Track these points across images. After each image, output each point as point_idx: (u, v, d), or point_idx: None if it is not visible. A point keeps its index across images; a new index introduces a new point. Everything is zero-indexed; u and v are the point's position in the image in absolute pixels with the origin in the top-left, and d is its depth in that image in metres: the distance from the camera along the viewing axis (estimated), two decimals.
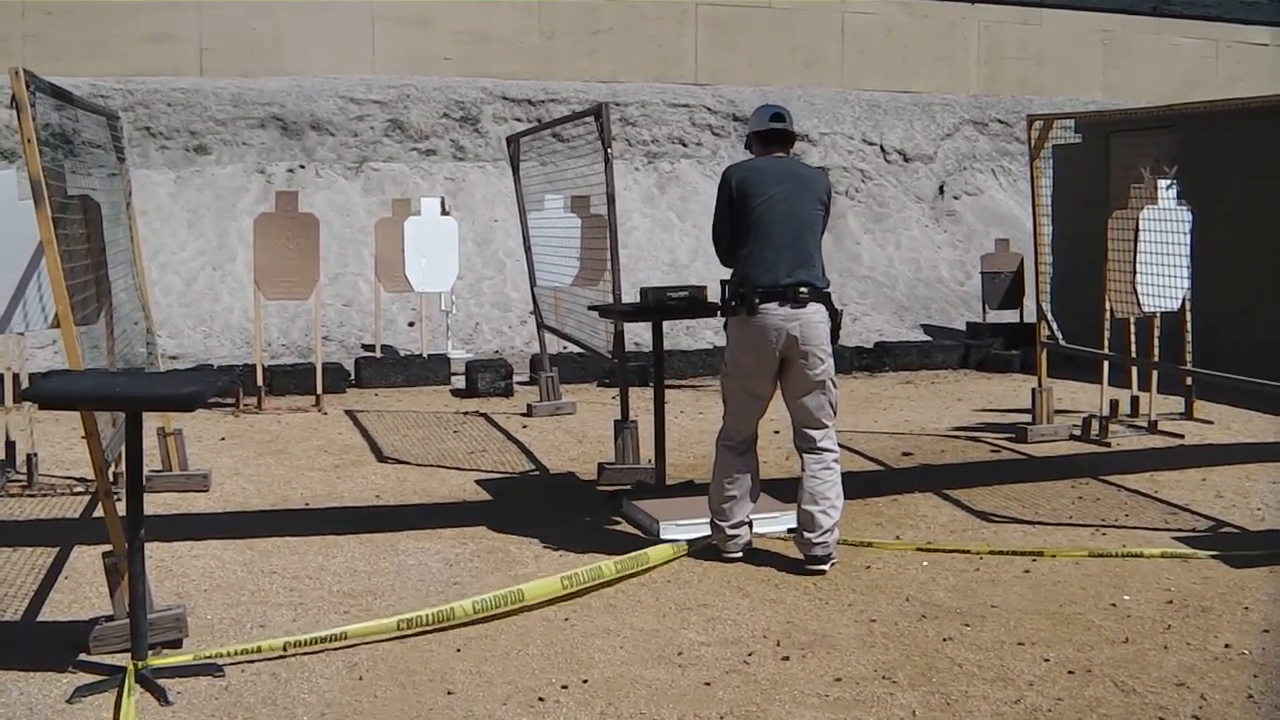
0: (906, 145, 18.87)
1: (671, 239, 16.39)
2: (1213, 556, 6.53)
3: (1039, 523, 7.33)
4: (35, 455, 8.24)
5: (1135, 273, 9.59)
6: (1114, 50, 21.22)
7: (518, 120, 16.96)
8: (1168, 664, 5.09)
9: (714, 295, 7.63)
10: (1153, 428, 10.00)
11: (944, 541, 6.90)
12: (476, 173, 16.77)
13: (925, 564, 6.50)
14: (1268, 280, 11.13)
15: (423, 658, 5.19)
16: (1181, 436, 9.83)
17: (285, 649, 5.16)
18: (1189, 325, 9.91)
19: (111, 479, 5.63)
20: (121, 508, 5.20)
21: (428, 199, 13.36)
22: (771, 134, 6.62)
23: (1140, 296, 9.63)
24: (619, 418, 8.47)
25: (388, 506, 7.87)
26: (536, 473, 8.88)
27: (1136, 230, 9.58)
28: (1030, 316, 12.66)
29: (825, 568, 6.32)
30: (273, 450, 9.47)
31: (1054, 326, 10.00)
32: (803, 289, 6.28)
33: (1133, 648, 5.28)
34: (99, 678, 4.88)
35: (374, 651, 5.25)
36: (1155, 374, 10.17)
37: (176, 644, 5.24)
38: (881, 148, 18.73)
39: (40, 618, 5.73)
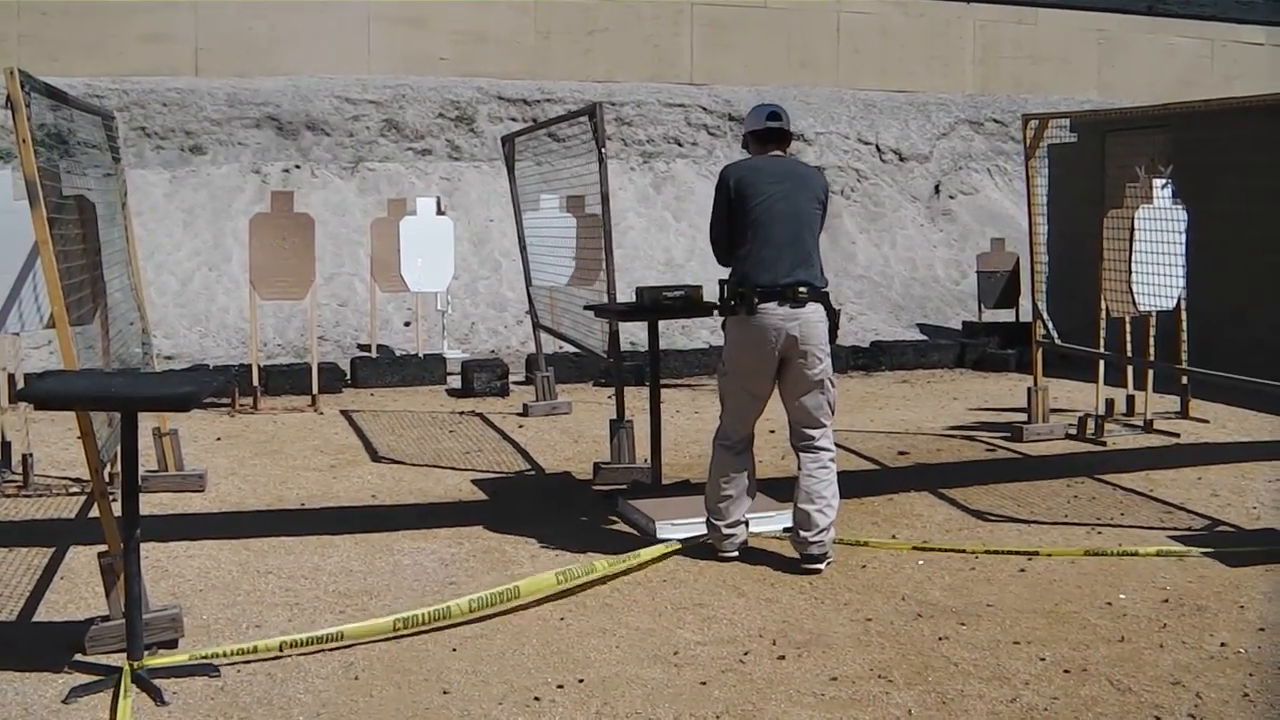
0: (902, 145, 18.87)
1: (667, 238, 16.39)
2: (1208, 555, 6.54)
3: (1035, 522, 7.34)
4: (31, 455, 8.23)
5: (1131, 272, 9.59)
6: (1109, 49, 21.24)
7: (513, 120, 16.96)
8: (1163, 663, 5.09)
9: (710, 295, 7.64)
10: (1148, 427, 10.01)
11: (940, 540, 6.91)
12: (472, 172, 16.76)
13: (921, 563, 6.51)
14: (1263, 279, 11.14)
15: (419, 657, 5.19)
16: (1177, 435, 9.84)
17: (281, 649, 5.16)
18: (1184, 324, 9.91)
19: (107, 479, 5.63)
20: (117, 508, 5.20)
21: (423, 199, 13.35)
22: (769, 133, 6.62)
23: (1136, 296, 9.63)
24: (614, 417, 8.47)
25: (383, 506, 7.87)
26: (532, 473, 8.88)
27: (1132, 230, 9.58)
28: (1026, 316, 12.67)
29: (821, 567, 6.33)
30: (268, 450, 9.46)
31: (1049, 326, 10.01)
32: (802, 289, 6.28)
33: (1128, 646, 5.28)
34: (95, 678, 4.88)
35: (370, 651, 5.25)
36: (1151, 373, 10.18)
37: (172, 644, 5.24)
38: (877, 147, 18.73)
39: (36, 618, 5.72)
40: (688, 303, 7.73)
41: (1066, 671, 5.00)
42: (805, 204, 6.43)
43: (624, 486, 8.01)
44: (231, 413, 10.88)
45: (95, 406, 5.20)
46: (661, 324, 8.21)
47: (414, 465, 8.98)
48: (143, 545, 5.08)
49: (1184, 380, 10.30)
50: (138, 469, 5.10)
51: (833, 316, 6.44)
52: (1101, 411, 9.87)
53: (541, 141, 12.19)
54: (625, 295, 8.99)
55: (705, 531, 6.65)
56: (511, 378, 12.27)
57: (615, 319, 8.39)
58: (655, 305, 7.69)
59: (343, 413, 11.00)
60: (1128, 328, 9.96)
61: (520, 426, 10.46)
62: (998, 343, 14.00)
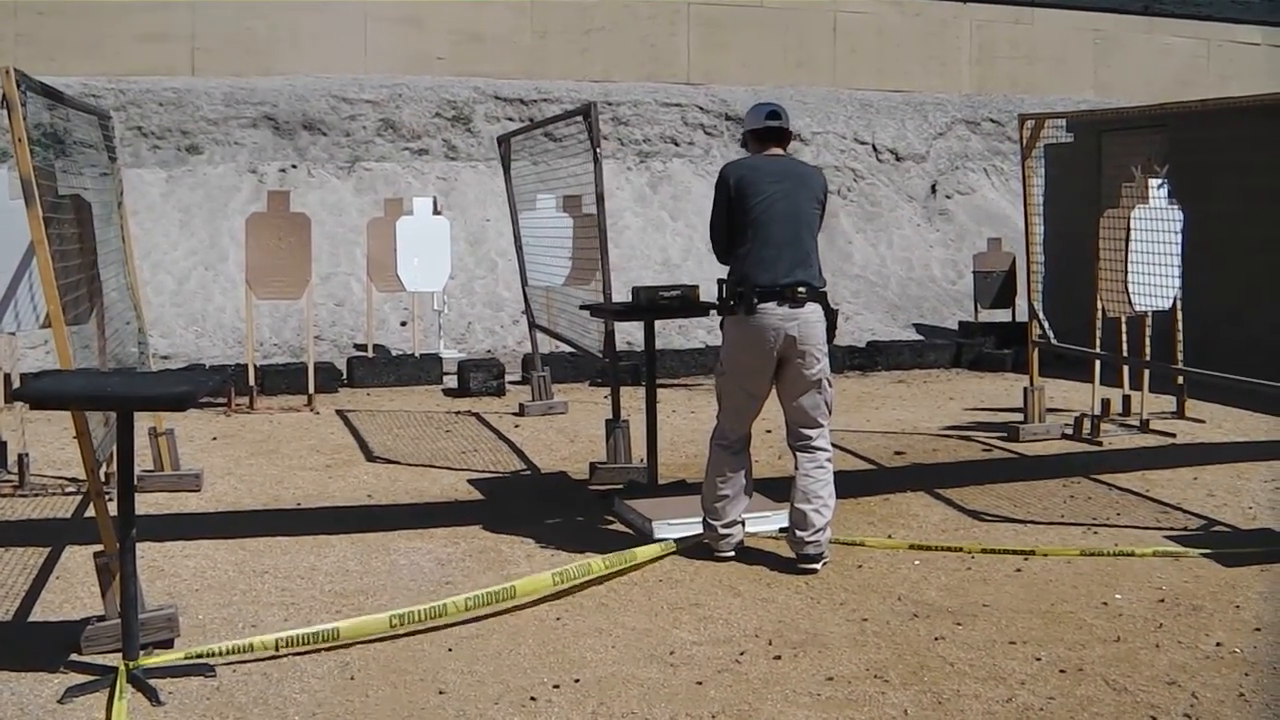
0: (899, 144, 18.88)
1: (664, 238, 16.40)
2: (1204, 555, 6.54)
3: (1031, 521, 7.34)
4: (27, 455, 8.22)
5: (1127, 272, 9.59)
6: (1105, 49, 21.25)
7: (510, 120, 16.96)
8: (1159, 662, 5.09)
9: (707, 295, 7.64)
10: (1144, 427, 10.02)
11: (936, 540, 6.91)
12: (469, 172, 16.76)
13: (917, 563, 6.51)
14: (1260, 279, 11.15)
15: (414, 657, 5.19)
16: (1173, 435, 9.84)
17: (277, 647, 5.16)
18: (1180, 324, 9.92)
19: (103, 479, 5.62)
20: (113, 507, 5.19)
21: (420, 198, 13.34)
22: (768, 132, 6.61)
23: (1132, 296, 9.63)
24: (611, 417, 8.47)
25: (380, 506, 7.86)
26: (528, 472, 8.88)
27: (1128, 229, 9.58)
28: (1022, 316, 12.67)
29: (817, 567, 6.33)
30: (264, 450, 9.46)
31: (1046, 326, 10.01)
32: (801, 288, 6.28)
33: (1124, 646, 5.28)
34: (90, 678, 4.87)
35: (366, 651, 5.24)
36: (1147, 373, 10.19)
37: (168, 644, 5.24)
38: (874, 147, 18.74)
39: (32, 618, 5.72)
40: (684, 302, 7.72)
41: (1062, 671, 5.00)
42: (805, 203, 6.43)
43: (620, 486, 8.01)
44: (228, 412, 10.87)
45: (91, 406, 5.19)
46: (658, 324, 8.21)
47: (410, 465, 8.97)
48: (139, 545, 5.08)
49: (1180, 380, 10.31)
50: (134, 469, 5.09)
51: (830, 316, 6.44)
52: (1097, 411, 9.88)
53: (538, 141, 12.18)
54: (622, 295, 8.99)
55: (701, 531, 6.64)
56: (508, 377, 12.27)
57: (611, 319, 8.38)
58: (651, 305, 7.68)
59: (339, 412, 10.99)
60: (1124, 328, 9.97)
61: (516, 426, 10.45)
62: (994, 343, 14.00)
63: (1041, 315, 10.02)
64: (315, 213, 14.21)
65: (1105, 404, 10.10)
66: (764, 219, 6.33)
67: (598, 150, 8.50)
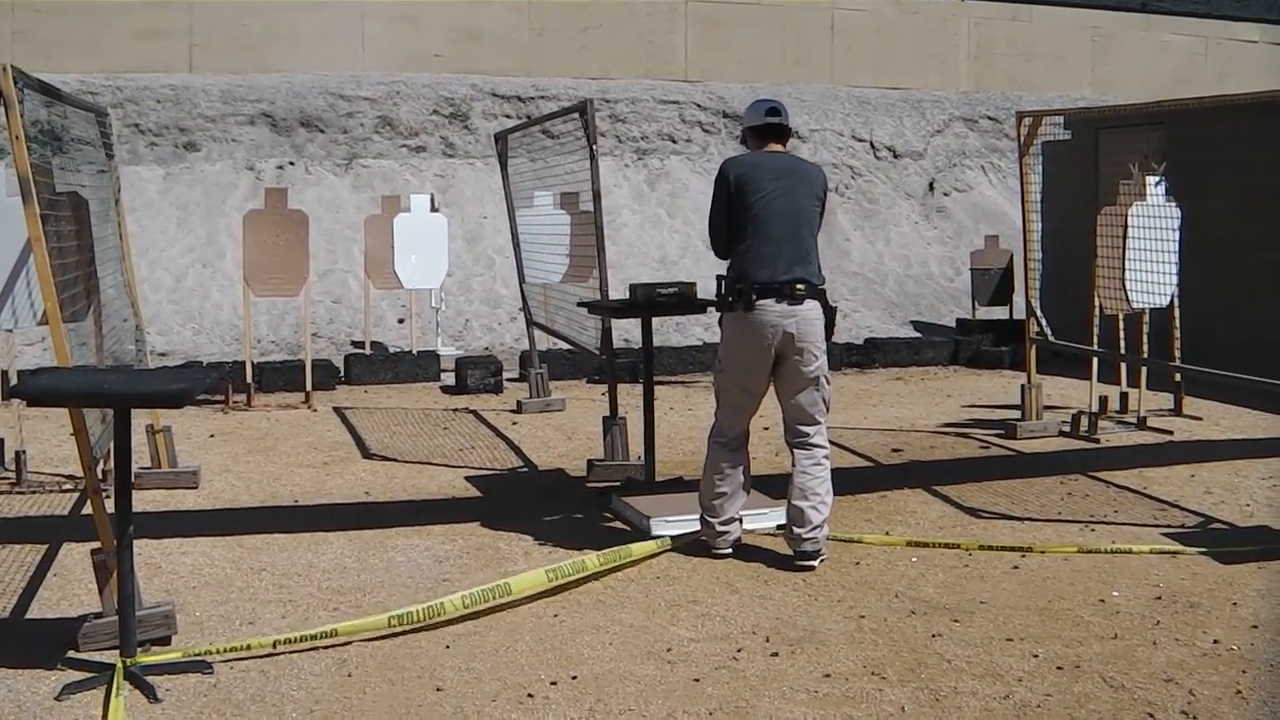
0: (896, 142, 18.88)
1: (661, 235, 16.40)
2: (1201, 553, 6.55)
3: (1028, 519, 7.34)
4: (24, 452, 8.22)
5: (1124, 269, 9.60)
6: (1103, 47, 21.25)
7: (507, 117, 16.96)
8: (1156, 660, 5.10)
9: (704, 292, 7.64)
10: (1142, 424, 10.02)
11: (933, 538, 6.91)
12: (466, 169, 16.76)
13: (914, 560, 6.51)
14: (1257, 276, 11.16)
15: (412, 654, 5.19)
16: (1170, 433, 9.85)
17: (275, 646, 5.16)
18: (1177, 321, 9.92)
19: (100, 476, 5.62)
20: (110, 505, 5.19)
21: (417, 196, 13.33)
22: (768, 129, 6.60)
23: (1129, 293, 9.64)
24: (608, 414, 8.46)
25: (377, 503, 7.86)
26: (526, 469, 8.88)
27: (1125, 227, 9.59)
28: (1020, 313, 12.69)
29: (815, 564, 6.33)
30: (262, 447, 9.46)
31: (1043, 323, 10.02)
32: (800, 285, 6.28)
33: (1121, 643, 5.29)
34: (88, 675, 4.87)
35: (363, 648, 5.24)
36: (1144, 370, 10.19)
37: (165, 641, 5.24)
38: (871, 144, 18.74)
39: (29, 615, 5.72)
40: (682, 300, 7.72)
41: (1059, 668, 5.01)
42: (805, 201, 6.42)
43: (618, 483, 8.01)
44: (225, 410, 10.87)
45: (88, 403, 5.19)
46: (655, 321, 8.21)
47: (407, 462, 8.97)
48: (136, 542, 5.08)
49: (1177, 377, 10.31)
50: (131, 466, 5.09)
51: (829, 314, 6.44)
52: (1095, 409, 9.89)
53: (535, 138, 12.18)
54: (619, 292, 8.99)
55: (699, 528, 6.64)
56: (505, 374, 12.27)
57: (609, 316, 8.38)
58: (649, 302, 7.68)
59: (336, 410, 10.99)
60: (1121, 325, 9.97)
61: (514, 423, 10.45)
62: (991, 340, 14.00)
63: (1039, 312, 10.03)
64: (313, 210, 14.21)
65: (1103, 401, 10.11)
66: (764, 216, 6.32)
67: (594, 147, 8.50)
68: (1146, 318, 9.94)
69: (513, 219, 11.58)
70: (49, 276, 5.33)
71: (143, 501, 7.26)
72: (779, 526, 6.70)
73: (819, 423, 6.44)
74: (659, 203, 16.98)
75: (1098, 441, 9.56)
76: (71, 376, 5.18)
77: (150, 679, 4.79)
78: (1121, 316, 9.90)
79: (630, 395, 9.34)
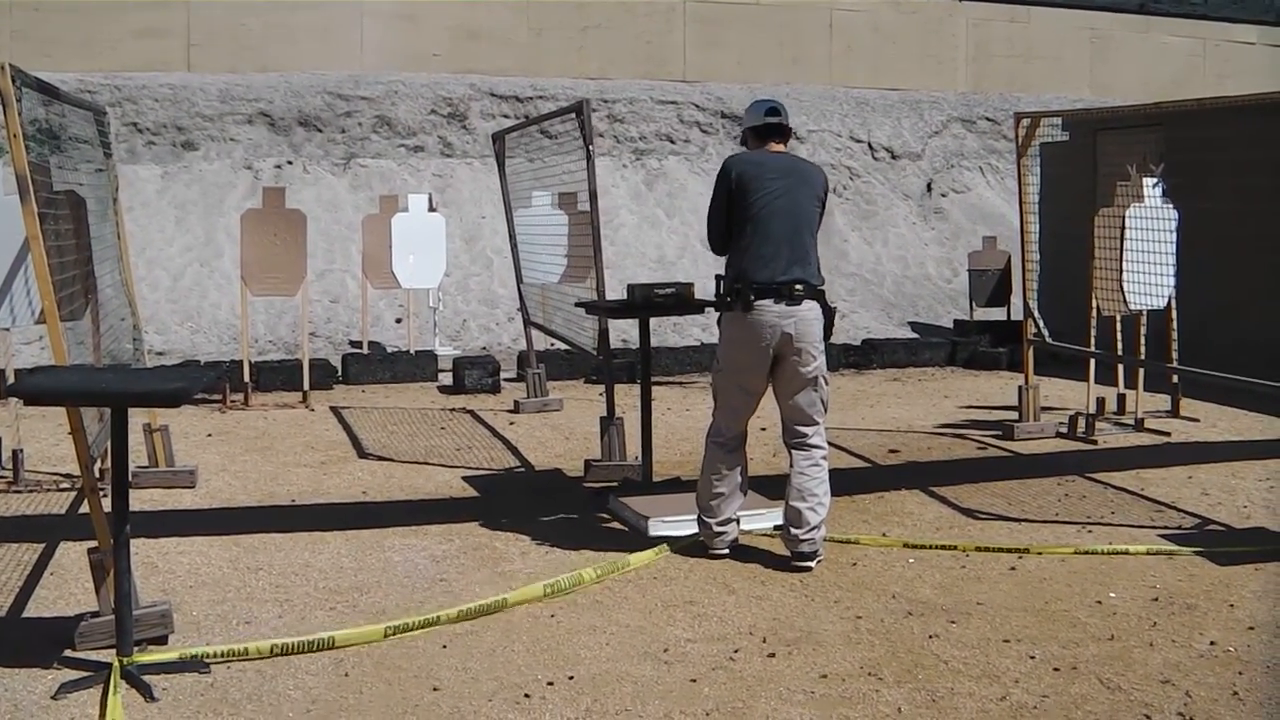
0: (894, 143, 18.88)
1: (659, 235, 16.40)
2: (1198, 554, 6.55)
3: (1025, 520, 7.34)
4: (21, 451, 8.22)
5: (1122, 271, 9.60)
6: (1101, 48, 21.26)
7: (506, 117, 16.96)
8: (1153, 661, 5.10)
9: (702, 292, 7.64)
10: (1139, 425, 10.02)
11: (930, 539, 6.91)
12: (464, 169, 16.76)
13: (911, 561, 6.51)
14: (1255, 278, 11.16)
15: (409, 654, 5.19)
16: (1168, 434, 9.85)
17: (271, 652, 5.14)
18: (1175, 323, 9.92)
19: (97, 475, 5.62)
20: (107, 504, 5.19)
21: (415, 195, 13.33)
22: (768, 128, 6.60)
23: (1127, 294, 9.64)
24: (605, 414, 8.46)
25: (374, 503, 7.86)
26: (523, 470, 8.88)
27: (1123, 228, 9.59)
28: (1017, 314, 12.68)
29: (812, 564, 6.32)
30: (259, 446, 9.45)
31: (1041, 324, 10.02)
32: (798, 286, 6.27)
33: (1118, 645, 5.29)
34: (84, 674, 4.87)
35: (360, 648, 5.24)
36: (1142, 372, 10.19)
37: (162, 640, 5.24)
38: (869, 145, 18.75)
39: (25, 614, 5.71)
40: (679, 300, 7.72)
41: (1056, 669, 5.01)
42: (805, 201, 6.42)
43: (615, 484, 8.01)
44: (222, 409, 10.86)
45: (86, 402, 5.19)
46: (653, 321, 8.20)
47: (405, 462, 8.97)
48: (133, 541, 5.08)
49: (1175, 379, 10.31)
50: (128, 465, 5.09)
51: (828, 314, 6.44)
52: (1092, 410, 9.89)
53: (533, 138, 12.18)
54: (617, 292, 8.99)
55: (696, 529, 6.64)
56: (503, 375, 12.27)
57: (606, 316, 8.38)
58: (647, 302, 7.68)
59: (333, 409, 10.98)
60: (1119, 326, 9.97)
61: (511, 423, 10.45)
62: (989, 341, 14.01)
63: (1036, 314, 10.03)
64: (311, 209, 14.21)
65: (1100, 402, 10.11)
66: (764, 215, 6.32)
67: (590, 147, 8.51)
68: (1144, 319, 9.95)
69: (510, 219, 11.58)
70: (47, 275, 5.33)
71: (140, 500, 7.26)
72: (776, 527, 6.70)
73: (817, 423, 6.44)
74: (657, 203, 16.99)
75: (1095, 443, 9.56)
76: (69, 375, 5.18)
77: (147, 678, 4.79)
78: (1119, 318, 9.90)
79: (628, 395, 9.33)
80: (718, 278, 6.51)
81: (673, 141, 17.94)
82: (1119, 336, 9.99)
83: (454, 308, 14.42)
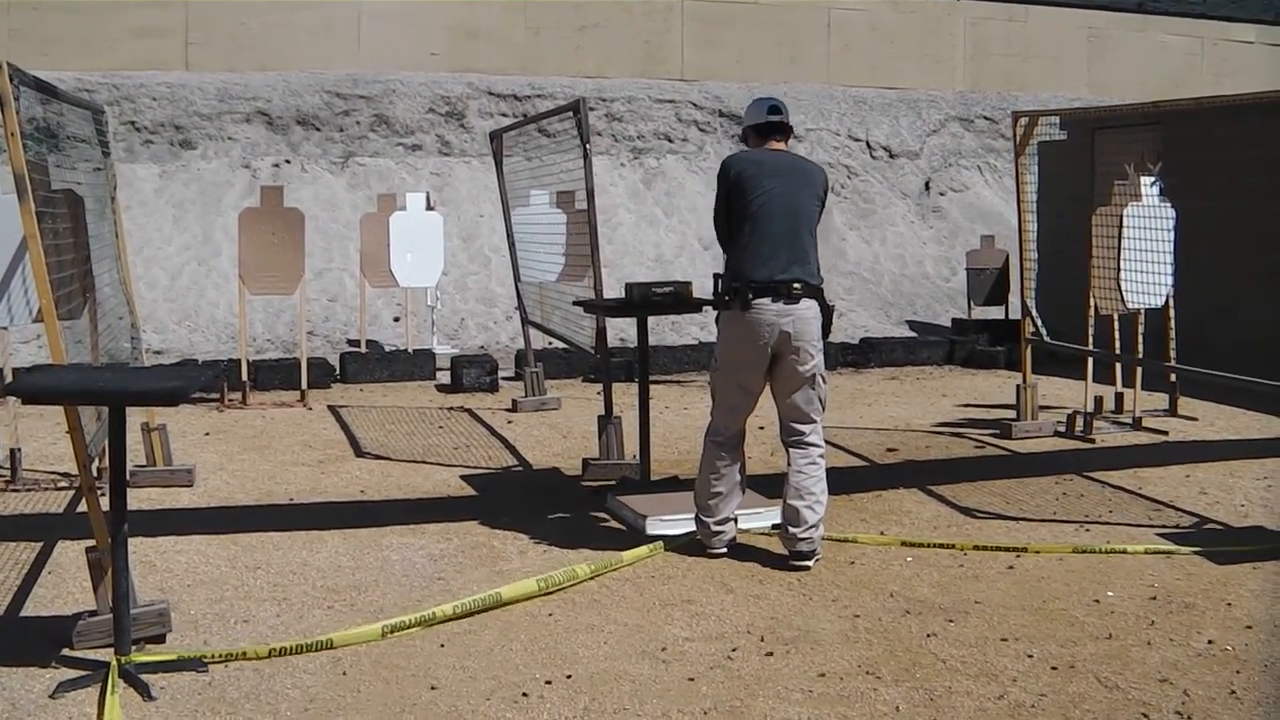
0: (892, 141, 18.88)
1: (657, 234, 16.40)
2: (1196, 553, 6.55)
3: (1023, 519, 7.35)
4: (19, 450, 8.21)
5: (1120, 269, 9.60)
6: (1099, 47, 21.26)
7: (504, 116, 16.95)
8: (1151, 660, 5.10)
9: (700, 291, 7.63)
10: (1137, 424, 10.03)
11: (928, 537, 6.91)
12: (462, 168, 16.75)
13: (909, 560, 6.51)
14: (1253, 277, 11.17)
15: (406, 653, 5.19)
16: (1166, 433, 9.85)
17: (270, 655, 5.13)
18: (1173, 322, 9.93)
19: (95, 474, 5.61)
20: (105, 503, 5.19)
21: (413, 194, 13.33)
22: (770, 126, 6.60)
23: (1124, 293, 9.65)
24: (603, 413, 8.46)
25: (372, 502, 7.86)
26: (521, 468, 8.88)
27: (1120, 227, 9.59)
28: (1015, 313, 12.69)
29: (810, 564, 6.32)
30: (257, 445, 9.45)
31: (1039, 323, 10.03)
32: (796, 284, 6.27)
33: (1116, 644, 5.29)
34: (82, 673, 4.87)
35: (358, 647, 5.24)
36: (1140, 370, 10.19)
37: (160, 639, 5.23)
38: (867, 144, 18.75)
39: (23, 613, 5.71)
40: (677, 299, 7.71)
41: (1054, 668, 5.01)
42: (806, 200, 6.42)
43: (613, 483, 8.00)
44: (220, 408, 10.86)
45: (84, 401, 5.18)
46: (651, 320, 8.20)
47: (403, 461, 8.97)
48: (131, 540, 5.07)
49: (1173, 378, 10.31)
50: (126, 464, 5.09)
51: (826, 313, 6.44)
52: (1090, 409, 9.89)
53: (531, 137, 12.17)
54: (615, 291, 8.99)
55: (694, 528, 6.64)
56: (501, 373, 12.27)
57: (604, 314, 8.38)
58: (645, 301, 7.67)
59: (331, 408, 10.98)
60: (1116, 325, 9.97)
61: (509, 422, 10.45)
62: (987, 340, 14.01)
63: (1034, 312, 10.03)
64: (309, 208, 14.21)
65: (1098, 401, 10.11)
66: (763, 214, 6.32)
67: (587, 146, 8.51)
68: (1142, 318, 9.95)
69: (508, 218, 11.58)
70: (44, 274, 5.33)
71: (138, 499, 7.26)
72: (774, 526, 6.70)
73: (815, 422, 6.44)
74: (655, 202, 16.98)
75: (1093, 442, 9.56)
76: (67, 374, 5.18)
77: (144, 677, 4.79)
78: (1117, 316, 9.90)
79: (626, 394, 9.32)
80: (716, 276, 6.51)
81: (671, 140, 17.93)
82: (1117, 335, 9.99)
83: (452, 306, 14.41)
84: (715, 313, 6.57)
